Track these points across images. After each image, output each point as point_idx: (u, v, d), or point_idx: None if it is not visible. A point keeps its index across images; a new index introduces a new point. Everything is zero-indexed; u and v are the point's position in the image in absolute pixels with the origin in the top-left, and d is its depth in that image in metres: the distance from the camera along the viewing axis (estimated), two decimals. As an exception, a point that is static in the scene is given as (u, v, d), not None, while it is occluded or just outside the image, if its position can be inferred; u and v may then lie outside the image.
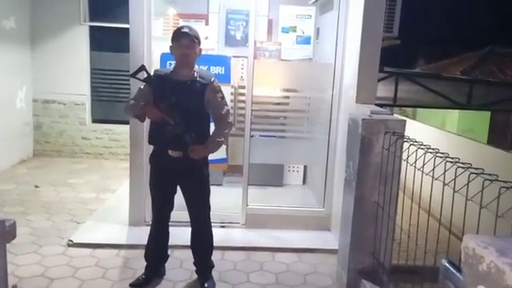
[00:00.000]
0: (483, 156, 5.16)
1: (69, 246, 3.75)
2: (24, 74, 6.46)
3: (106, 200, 4.96)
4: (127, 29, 3.90)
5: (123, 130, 6.33)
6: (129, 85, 3.81)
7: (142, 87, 2.99)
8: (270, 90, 4.58)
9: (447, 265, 1.23)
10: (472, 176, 1.86)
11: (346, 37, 4.03)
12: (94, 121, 6.82)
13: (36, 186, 5.31)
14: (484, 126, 12.83)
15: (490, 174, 1.81)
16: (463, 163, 1.98)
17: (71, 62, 6.56)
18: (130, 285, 3.15)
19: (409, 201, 3.07)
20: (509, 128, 13.12)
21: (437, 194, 2.15)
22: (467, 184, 1.86)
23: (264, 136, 4.47)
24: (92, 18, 6.53)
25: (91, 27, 6.54)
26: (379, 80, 4.39)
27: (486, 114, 12.54)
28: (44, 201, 4.86)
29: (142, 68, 2.96)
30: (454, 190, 1.95)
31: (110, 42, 6.50)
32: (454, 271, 1.18)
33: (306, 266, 3.64)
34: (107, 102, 6.75)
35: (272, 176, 5.30)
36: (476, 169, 1.89)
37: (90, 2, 6.48)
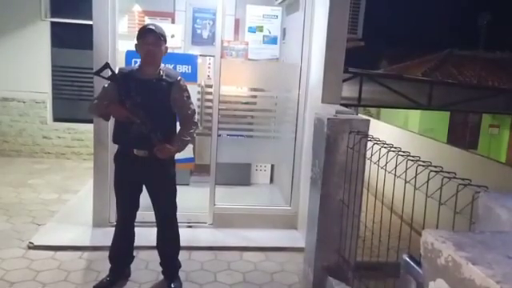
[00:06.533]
0: (443, 155, 5.35)
1: (29, 248, 3.62)
2: (-20, 71, 6.20)
3: (68, 201, 4.81)
4: (91, 25, 3.80)
5: (86, 128, 6.18)
6: (92, 83, 3.72)
7: (106, 85, 2.93)
8: (237, 90, 4.58)
9: (408, 259, 1.27)
10: (432, 174, 1.93)
11: (311, 38, 4.08)
12: (56, 119, 6.60)
13: (-6, 187, 5.11)
14: (444, 126, 13.32)
15: (448, 172, 1.87)
16: (423, 161, 2.05)
17: (31, 58, 6.33)
18: (94, 287, 3.08)
19: (373, 198, 3.14)
20: (467, 128, 13.67)
21: (399, 192, 2.22)
22: (427, 181, 1.93)
23: (231, 135, 4.46)
24: (53, 14, 6.32)
25: (53, 23, 6.32)
26: (344, 80, 4.48)
27: (446, 115, 13.02)
28: (3, 202, 4.68)
29: (107, 66, 2.89)
30: (414, 187, 2.01)
31: (72, 38, 6.31)
32: (414, 265, 1.23)
33: (273, 265, 3.67)
34: (70, 100, 6.55)
35: (239, 175, 5.30)
36: (435, 167, 1.96)
37: (52, -4, 6.28)
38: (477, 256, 0.93)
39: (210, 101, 4.25)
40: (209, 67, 4.85)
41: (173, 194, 3.09)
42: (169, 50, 3.04)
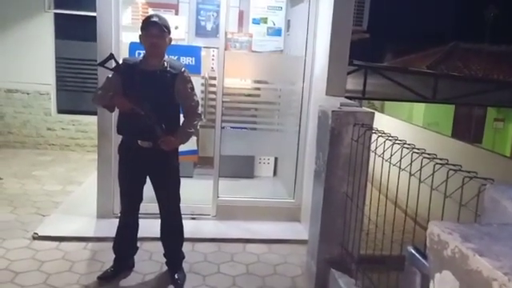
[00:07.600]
0: (448, 148, 5.32)
1: (34, 239, 3.64)
2: (-15, 62, 6.20)
3: (72, 192, 4.83)
4: (95, 17, 3.79)
5: (91, 120, 6.17)
6: (96, 75, 3.72)
7: (110, 76, 2.92)
8: (241, 82, 4.57)
9: (413, 251, 1.27)
10: (437, 166, 1.91)
11: (316, 29, 4.05)
12: (60, 111, 6.61)
13: (-2, 179, 5.13)
14: (448, 120, 13.24)
15: (453, 165, 1.86)
16: (429, 154, 2.03)
17: (35, 50, 6.33)
18: (98, 277, 3.10)
19: (376, 192, 3.14)
20: (472, 121, 13.59)
21: (403, 185, 2.21)
22: (432, 174, 1.91)
23: (235, 128, 4.46)
24: (57, 5, 6.30)
25: (56, 15, 6.31)
26: (349, 73, 4.44)
27: (451, 108, 12.95)
28: (7, 193, 4.70)
29: (111, 57, 2.89)
30: (419, 180, 2.00)
31: (76, 30, 6.30)
32: (420, 257, 1.22)
33: (276, 257, 3.67)
34: (74, 91, 6.55)
35: (243, 168, 5.30)
36: (441, 159, 1.94)
37: (55, -12, 6.26)
38: (484, 248, 0.92)
39: (214, 93, 4.24)
40: (212, 59, 4.83)
41: (176, 185, 3.09)
42: (172, 42, 3.02)
